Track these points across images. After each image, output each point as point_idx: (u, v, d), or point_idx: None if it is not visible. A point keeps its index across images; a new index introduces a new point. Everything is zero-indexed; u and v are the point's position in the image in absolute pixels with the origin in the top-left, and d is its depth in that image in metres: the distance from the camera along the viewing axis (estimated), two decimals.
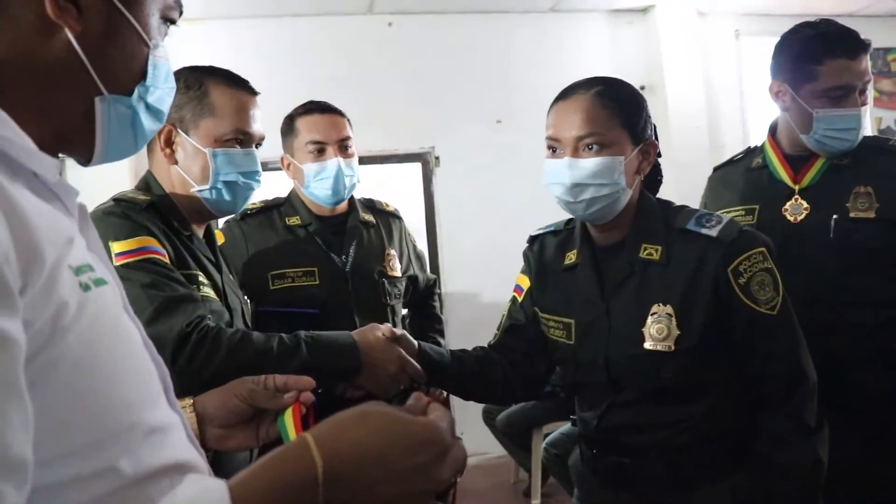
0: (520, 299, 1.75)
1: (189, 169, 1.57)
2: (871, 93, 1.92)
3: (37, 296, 0.58)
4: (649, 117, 1.58)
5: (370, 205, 2.43)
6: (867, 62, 1.88)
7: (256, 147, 1.66)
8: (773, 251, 1.52)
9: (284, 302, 1.88)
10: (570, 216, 1.67)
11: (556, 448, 3.67)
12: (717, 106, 5.30)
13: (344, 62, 4.73)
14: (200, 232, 1.66)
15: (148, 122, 0.82)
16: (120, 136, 0.78)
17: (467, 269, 4.86)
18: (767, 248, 1.50)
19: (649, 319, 1.49)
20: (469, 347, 1.74)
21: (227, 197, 1.59)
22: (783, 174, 2.00)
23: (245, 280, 2.13)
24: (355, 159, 2.25)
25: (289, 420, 1.12)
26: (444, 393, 2.33)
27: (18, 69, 0.69)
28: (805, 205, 1.93)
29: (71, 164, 0.84)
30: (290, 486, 0.64)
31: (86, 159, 0.78)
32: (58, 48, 0.70)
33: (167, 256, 1.45)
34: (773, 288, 1.48)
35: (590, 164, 1.49)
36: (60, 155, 0.76)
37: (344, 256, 2.23)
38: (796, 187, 1.96)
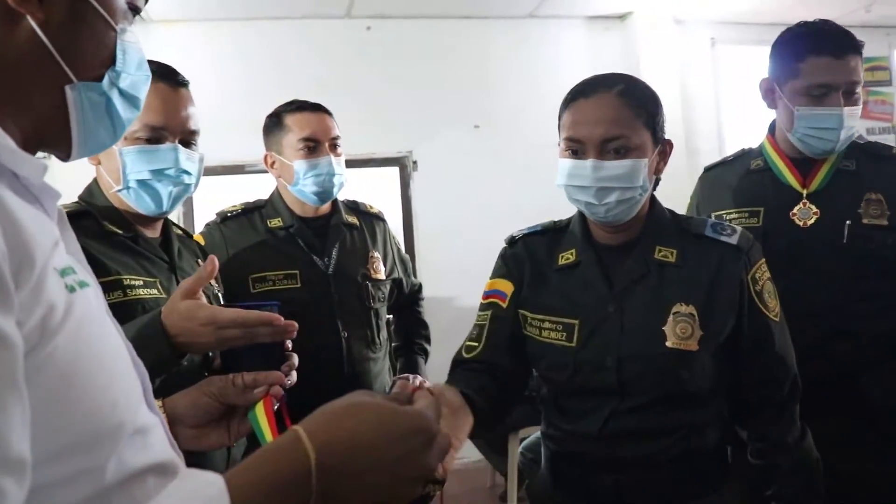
0: (504, 306, 1.63)
1: (109, 170, 1.56)
2: (862, 96, 1.90)
3: (27, 297, 0.58)
4: (664, 117, 1.55)
5: (354, 206, 2.42)
6: (857, 63, 1.84)
7: (188, 144, 1.60)
8: None
9: None
10: (553, 219, 1.68)
11: (532, 453, 3.67)
12: (693, 112, 5.34)
13: (322, 66, 4.72)
14: (152, 233, 1.64)
15: (124, 110, 0.81)
16: (96, 125, 0.78)
17: (444, 274, 4.85)
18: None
19: (671, 318, 1.46)
20: (446, 353, 1.68)
21: (145, 197, 1.55)
22: (790, 178, 1.96)
23: (225, 283, 2.11)
24: (343, 159, 2.25)
25: (260, 413, 1.12)
26: (426, 381, 2.33)
27: None
28: (814, 209, 1.90)
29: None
30: (284, 478, 0.67)
31: (65, 154, 0.77)
32: (22, 39, 0.69)
33: None
34: (775, 296, 1.54)
35: (617, 167, 1.44)
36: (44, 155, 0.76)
37: (326, 259, 2.21)
38: (804, 191, 1.93)
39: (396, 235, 2.55)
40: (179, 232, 1.80)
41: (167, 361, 1.22)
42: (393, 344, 2.51)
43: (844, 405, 1.80)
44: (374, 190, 4.81)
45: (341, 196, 2.35)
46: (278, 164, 2.24)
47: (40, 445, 0.58)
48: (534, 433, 3.78)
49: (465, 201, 4.94)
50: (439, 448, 0.75)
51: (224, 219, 2.27)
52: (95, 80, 0.76)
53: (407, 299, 2.53)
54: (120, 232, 1.55)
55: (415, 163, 5.00)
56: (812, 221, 1.90)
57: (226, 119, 4.10)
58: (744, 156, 2.11)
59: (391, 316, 2.56)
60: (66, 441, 0.61)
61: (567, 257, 1.59)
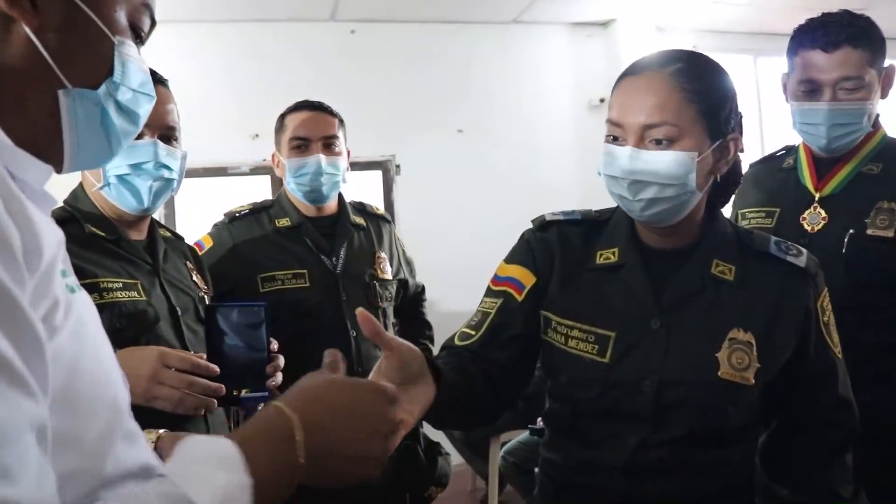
0: (519, 299, 1.39)
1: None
2: (875, 90, 1.79)
3: (36, 287, 0.59)
4: (736, 106, 1.31)
5: (360, 207, 2.43)
6: (856, 56, 1.74)
7: (168, 140, 1.60)
8: None
9: (275, 305, 1.87)
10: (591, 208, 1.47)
11: (513, 456, 3.67)
12: None
13: (306, 68, 4.70)
14: (137, 235, 1.65)
15: (121, 124, 0.80)
16: (90, 137, 0.76)
17: (426, 278, 4.82)
18: None
19: (726, 345, 1.27)
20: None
21: (125, 193, 1.56)
22: (807, 179, 1.90)
23: (234, 283, 2.11)
24: (341, 159, 2.25)
25: None
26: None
27: None
28: (823, 214, 1.84)
29: None
30: (274, 437, 0.76)
31: (58, 165, 0.76)
32: (16, 44, 0.69)
33: None
34: (836, 331, 1.37)
35: (656, 158, 1.23)
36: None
37: (334, 258, 2.22)
38: (817, 195, 1.86)
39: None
40: (168, 234, 1.80)
41: None
42: None
43: None
44: (357, 193, 4.80)
45: (346, 197, 2.36)
46: (280, 163, 2.27)
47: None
48: (515, 437, 3.79)
49: (447, 206, 4.94)
50: (394, 439, 0.86)
51: (232, 219, 2.27)
52: (91, 88, 0.75)
53: (411, 300, 2.54)
54: (103, 234, 1.56)
55: (398, 167, 5.00)
56: (819, 227, 1.84)
57: (208, 121, 4.09)
58: (786, 153, 2.03)
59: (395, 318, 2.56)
60: (70, 436, 0.62)
61: (608, 256, 1.37)
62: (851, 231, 1.78)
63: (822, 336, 1.33)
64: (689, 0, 4.93)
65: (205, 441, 0.74)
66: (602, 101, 5.09)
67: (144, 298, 1.56)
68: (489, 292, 1.44)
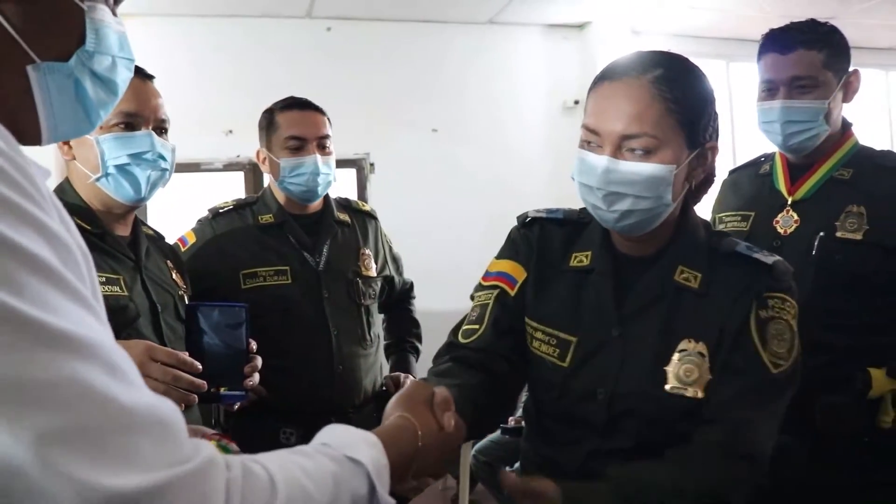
0: (512, 293, 1.37)
1: (85, 161, 1.58)
2: (833, 92, 1.84)
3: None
4: (715, 113, 1.27)
5: (346, 204, 2.43)
6: (809, 57, 1.81)
7: (160, 133, 1.63)
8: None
9: (257, 302, 1.87)
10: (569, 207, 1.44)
11: (485, 455, 3.69)
12: None
13: (281, 66, 4.68)
14: (122, 231, 1.66)
15: (97, 94, 0.78)
16: (66, 109, 0.75)
17: None
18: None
19: (675, 356, 1.22)
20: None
21: (124, 183, 1.58)
22: (781, 184, 1.94)
23: (216, 280, 2.11)
24: (332, 158, 2.25)
25: None
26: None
27: None
28: (795, 217, 1.88)
29: None
30: (403, 433, 0.93)
31: (37, 138, 0.74)
32: None
33: None
34: (788, 349, 1.23)
35: (633, 170, 1.19)
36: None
37: (317, 255, 2.21)
38: (790, 199, 1.91)
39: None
40: (151, 232, 1.82)
41: None
42: (384, 341, 2.52)
43: (803, 423, 1.67)
44: (331, 191, 4.79)
45: (333, 194, 2.36)
46: (268, 161, 2.25)
47: None
48: (486, 436, 3.80)
49: (421, 205, 4.93)
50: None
51: (216, 215, 2.27)
52: (61, 60, 0.73)
53: (398, 297, 2.54)
54: (88, 228, 1.56)
55: (372, 165, 4.99)
56: (791, 230, 1.88)
57: (181, 117, 4.04)
58: (763, 160, 2.08)
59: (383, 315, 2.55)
60: None
61: (581, 259, 1.34)
62: (821, 234, 1.82)
63: (749, 329, 1.21)
64: (665, 4, 4.97)
65: (350, 428, 0.83)
66: (576, 102, 5.12)
67: (126, 294, 1.57)
68: (480, 287, 1.43)
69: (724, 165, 2.16)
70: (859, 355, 1.78)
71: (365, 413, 2.19)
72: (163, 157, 1.62)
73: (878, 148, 1.97)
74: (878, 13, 5.04)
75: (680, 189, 1.24)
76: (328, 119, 2.28)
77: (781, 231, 1.89)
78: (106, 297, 1.48)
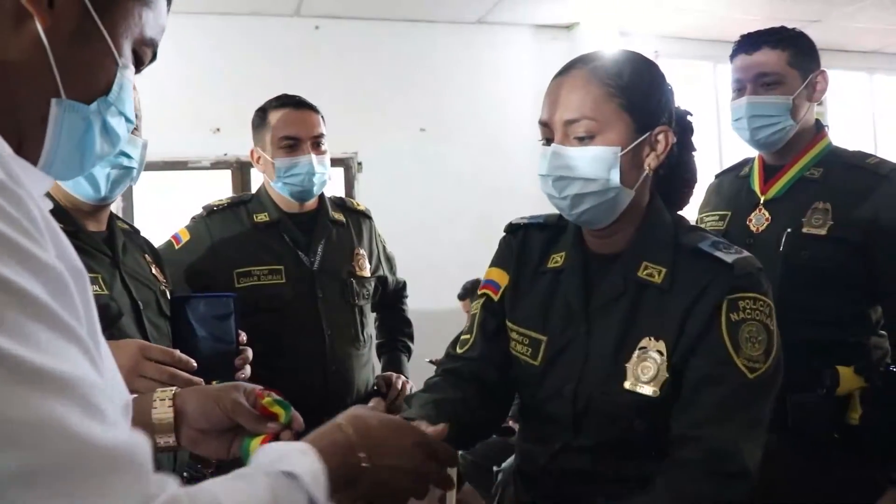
0: (495, 298, 1.41)
1: None
2: (797, 89, 1.91)
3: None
4: (668, 99, 1.29)
5: (341, 203, 2.41)
6: (773, 56, 1.90)
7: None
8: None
9: (251, 301, 1.84)
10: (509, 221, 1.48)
11: (472, 455, 3.68)
12: None
13: (269, 64, 4.67)
14: (96, 227, 1.63)
15: (101, 144, 0.79)
16: (68, 148, 0.76)
17: None
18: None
19: (635, 354, 1.22)
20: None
21: (82, 181, 1.54)
22: (756, 184, 2.00)
23: (210, 278, 2.10)
24: (327, 157, 2.24)
25: (255, 447, 1.05)
26: (409, 382, 2.32)
27: None
28: (767, 216, 1.93)
29: None
30: (335, 444, 0.83)
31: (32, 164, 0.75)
32: (25, 41, 0.69)
33: None
34: (764, 350, 1.19)
35: (576, 154, 1.22)
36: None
37: (312, 255, 2.20)
38: (762, 198, 1.96)
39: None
40: (126, 227, 1.78)
41: None
42: (376, 341, 2.51)
43: (775, 419, 1.73)
44: (325, 190, 4.80)
45: (328, 193, 2.34)
46: (262, 160, 2.23)
47: None
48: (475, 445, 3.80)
49: (409, 204, 4.92)
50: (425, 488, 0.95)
51: (210, 212, 2.25)
52: (84, 102, 0.75)
53: (391, 297, 2.53)
54: (60, 225, 1.52)
55: (360, 164, 4.99)
56: (763, 227, 1.93)
57: (169, 114, 4.03)
58: (744, 163, 2.13)
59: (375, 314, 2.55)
60: None
61: (556, 260, 1.37)
62: (789, 230, 1.87)
63: (720, 333, 1.19)
64: (653, 6, 5.00)
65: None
66: None
67: (106, 292, 1.53)
68: (476, 297, 1.48)
69: (710, 168, 2.21)
70: (826, 351, 1.80)
71: None
72: (126, 154, 1.55)
73: (862, 150, 2.00)
74: (863, 16, 5.08)
75: (633, 174, 1.25)
76: (322, 117, 2.26)
77: (754, 229, 1.95)
78: None
